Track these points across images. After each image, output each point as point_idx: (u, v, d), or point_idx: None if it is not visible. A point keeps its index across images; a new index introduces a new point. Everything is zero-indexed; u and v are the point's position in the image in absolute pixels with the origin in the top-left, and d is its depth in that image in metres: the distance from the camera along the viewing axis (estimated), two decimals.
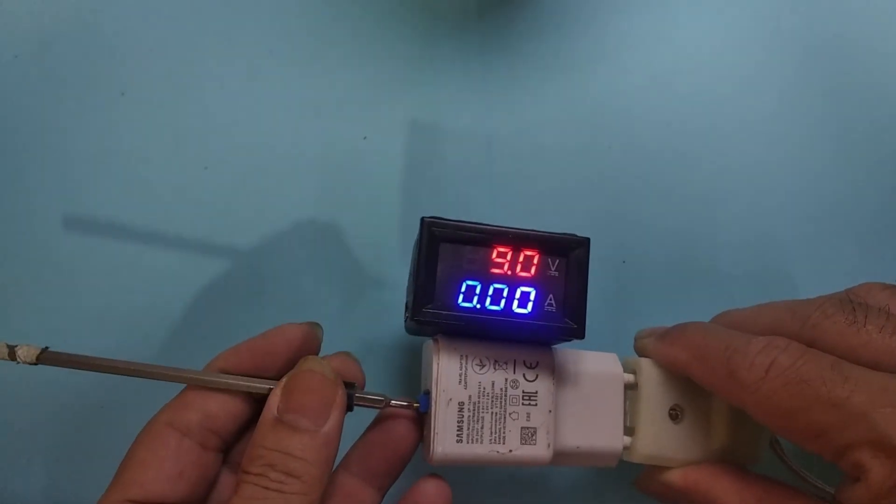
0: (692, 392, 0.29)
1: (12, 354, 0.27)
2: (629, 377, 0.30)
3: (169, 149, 0.36)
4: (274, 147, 0.36)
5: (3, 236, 0.36)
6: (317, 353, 0.28)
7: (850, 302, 0.27)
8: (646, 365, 0.30)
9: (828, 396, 0.24)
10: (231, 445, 0.28)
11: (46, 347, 0.27)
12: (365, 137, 0.36)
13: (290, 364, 0.27)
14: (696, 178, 0.37)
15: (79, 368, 0.27)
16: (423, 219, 0.27)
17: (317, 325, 0.28)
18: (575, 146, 0.37)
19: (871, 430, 0.23)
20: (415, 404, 0.28)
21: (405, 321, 0.29)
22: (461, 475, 0.33)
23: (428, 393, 0.28)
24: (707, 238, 0.36)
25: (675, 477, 0.29)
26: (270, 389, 0.26)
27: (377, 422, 0.29)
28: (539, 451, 0.28)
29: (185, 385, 0.27)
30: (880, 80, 0.38)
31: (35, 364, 0.27)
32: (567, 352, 0.29)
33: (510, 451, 0.27)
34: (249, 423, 0.28)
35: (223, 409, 0.26)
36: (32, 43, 0.37)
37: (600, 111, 0.37)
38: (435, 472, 0.29)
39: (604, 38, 0.38)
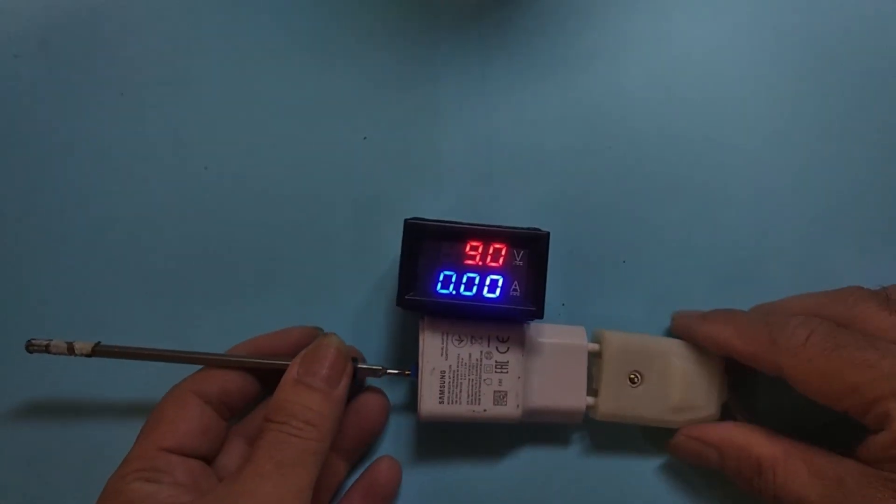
0: (650, 361, 0.34)
1: (70, 349, 0.32)
2: (594, 346, 0.35)
3: (169, 149, 0.36)
4: (274, 147, 0.37)
5: (3, 236, 0.36)
6: None
7: (882, 292, 0.32)
8: (609, 336, 0.34)
9: (861, 359, 0.29)
10: (237, 417, 0.33)
11: (99, 342, 0.32)
12: (365, 137, 0.37)
13: (295, 354, 0.31)
14: (695, 177, 0.37)
15: (127, 358, 0.32)
16: (405, 220, 0.32)
17: (318, 328, 0.35)
18: (574, 146, 0.37)
19: None
20: (406, 372, 0.34)
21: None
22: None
23: (417, 363, 0.33)
24: (707, 238, 0.37)
25: (710, 433, 0.33)
26: (282, 366, 0.31)
27: (352, 407, 0.34)
28: (510, 410, 0.33)
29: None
30: (881, 79, 0.38)
31: (90, 356, 0.32)
32: (540, 326, 0.34)
33: (484, 410, 0.33)
34: (255, 402, 0.33)
35: (236, 386, 0.32)
36: (32, 43, 0.37)
37: (600, 111, 0.37)
38: (388, 454, 0.35)
39: (604, 38, 0.38)
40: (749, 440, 0.31)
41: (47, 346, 0.31)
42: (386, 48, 0.38)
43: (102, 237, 0.36)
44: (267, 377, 0.33)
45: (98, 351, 0.32)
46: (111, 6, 0.37)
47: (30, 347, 0.32)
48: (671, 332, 0.36)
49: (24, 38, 0.37)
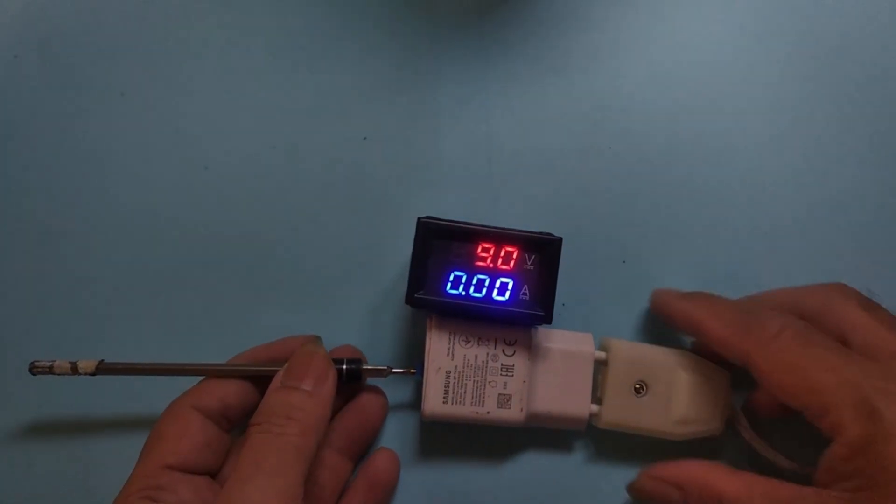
0: (656, 371, 0.35)
1: (74, 369, 0.32)
2: (601, 354, 0.35)
3: (169, 149, 0.36)
4: (274, 147, 0.37)
5: (3, 236, 0.36)
6: None
7: (868, 293, 0.33)
8: (616, 345, 0.35)
9: (827, 360, 0.29)
10: (239, 429, 0.33)
11: (102, 360, 0.32)
12: (365, 138, 0.37)
13: None
14: (696, 177, 0.38)
15: (131, 374, 0.33)
16: (418, 219, 0.32)
17: (317, 336, 0.34)
18: (575, 146, 0.37)
19: (856, 395, 0.28)
20: (411, 371, 0.34)
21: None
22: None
23: (423, 362, 0.34)
24: (707, 237, 0.37)
25: (671, 471, 0.32)
26: (276, 371, 0.32)
27: (352, 406, 0.35)
28: (513, 414, 0.33)
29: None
30: (881, 78, 0.38)
31: (94, 375, 0.32)
32: (548, 331, 0.35)
33: (488, 412, 0.33)
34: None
35: (236, 398, 0.32)
36: (32, 43, 0.37)
37: (600, 111, 0.38)
38: (384, 447, 0.36)
39: (603, 38, 0.38)
40: (710, 476, 0.31)
41: (51, 367, 0.32)
42: (386, 48, 0.38)
43: (102, 237, 0.36)
44: (266, 387, 0.32)
45: (102, 369, 0.32)
46: (111, 7, 0.38)
47: (33, 369, 0.32)
48: (650, 310, 0.36)
49: (24, 39, 0.37)
